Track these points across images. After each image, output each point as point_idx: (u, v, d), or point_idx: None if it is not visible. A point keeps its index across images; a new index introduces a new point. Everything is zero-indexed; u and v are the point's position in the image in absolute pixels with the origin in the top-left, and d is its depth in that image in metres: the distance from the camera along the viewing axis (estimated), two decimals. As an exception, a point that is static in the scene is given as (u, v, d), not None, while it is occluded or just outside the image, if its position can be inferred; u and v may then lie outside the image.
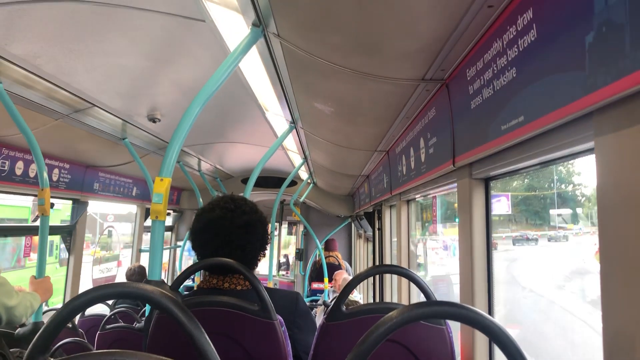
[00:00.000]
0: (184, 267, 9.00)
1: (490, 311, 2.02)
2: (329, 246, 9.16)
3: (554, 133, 1.34)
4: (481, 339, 2.03)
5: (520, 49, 1.41)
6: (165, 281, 4.47)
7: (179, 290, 2.00)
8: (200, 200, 7.43)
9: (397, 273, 2.19)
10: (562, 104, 1.19)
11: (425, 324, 1.89)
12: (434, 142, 2.55)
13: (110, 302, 5.50)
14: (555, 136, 1.34)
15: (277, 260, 11.93)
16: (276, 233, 10.98)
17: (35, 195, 4.49)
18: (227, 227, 1.90)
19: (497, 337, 0.92)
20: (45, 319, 3.55)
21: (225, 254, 1.85)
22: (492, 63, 1.63)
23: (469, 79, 1.88)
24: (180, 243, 9.18)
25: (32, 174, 4.62)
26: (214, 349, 0.97)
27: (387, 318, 0.95)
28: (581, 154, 1.35)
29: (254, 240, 1.95)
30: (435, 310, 1.03)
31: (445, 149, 2.33)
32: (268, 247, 2.12)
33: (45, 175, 3.52)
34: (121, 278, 9.41)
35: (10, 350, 2.73)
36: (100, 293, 1.01)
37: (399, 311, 0.96)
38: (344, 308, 1.94)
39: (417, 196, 3.68)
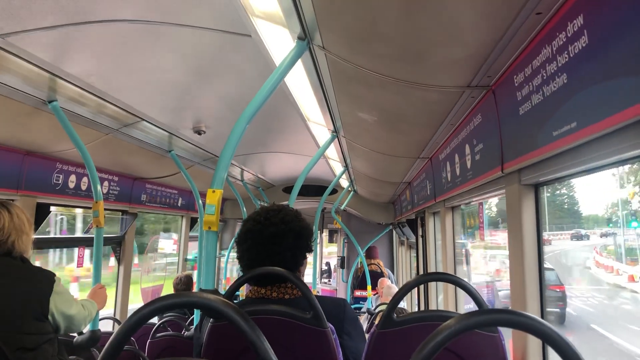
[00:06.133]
0: (227, 276, 9.13)
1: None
2: (370, 254, 9.11)
3: (607, 138, 1.32)
4: (534, 347, 2.00)
5: (571, 55, 1.41)
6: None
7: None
8: (244, 209, 7.53)
9: (448, 281, 2.18)
10: (618, 109, 1.18)
11: (479, 331, 1.88)
12: (480, 148, 2.53)
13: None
14: (609, 141, 1.32)
15: (320, 268, 11.95)
16: (318, 241, 11.00)
17: (88, 208, 4.66)
18: (256, 238, 1.94)
19: (558, 345, 0.92)
20: (101, 326, 3.67)
21: (258, 264, 1.89)
22: (541, 69, 1.63)
23: (516, 85, 1.87)
24: (224, 252, 9.30)
25: (83, 187, 4.79)
26: (276, 357, 1.00)
27: (446, 326, 0.96)
28: (637, 159, 1.33)
29: (282, 251, 1.94)
30: (496, 318, 1.03)
31: (492, 155, 2.31)
32: (309, 255, 2.14)
33: (99, 188, 3.65)
34: (168, 287, 9.58)
35: (69, 357, 2.83)
36: (166, 303, 1.05)
37: (457, 319, 0.97)
38: (394, 316, 1.96)
39: (461, 203, 3.65)
